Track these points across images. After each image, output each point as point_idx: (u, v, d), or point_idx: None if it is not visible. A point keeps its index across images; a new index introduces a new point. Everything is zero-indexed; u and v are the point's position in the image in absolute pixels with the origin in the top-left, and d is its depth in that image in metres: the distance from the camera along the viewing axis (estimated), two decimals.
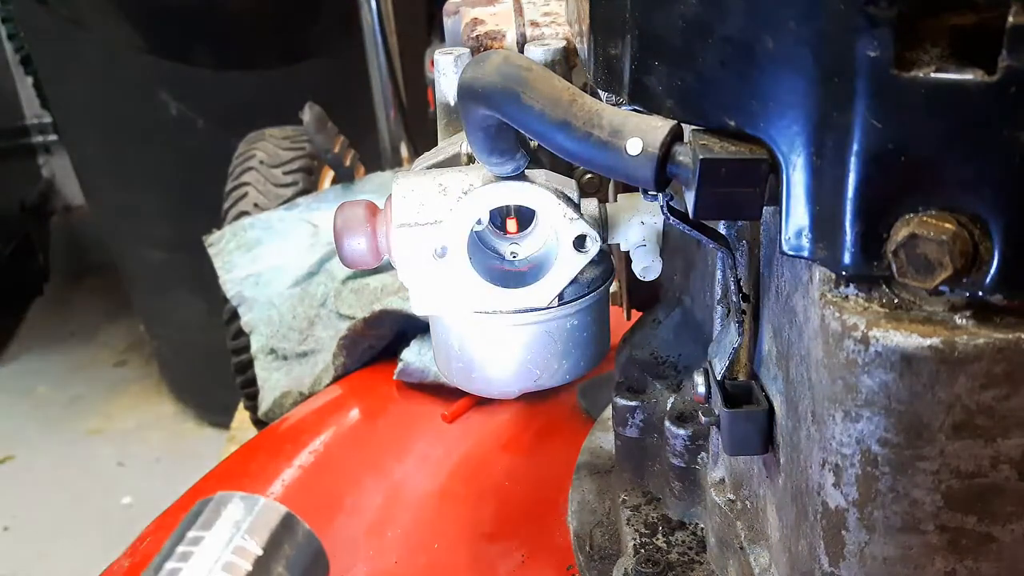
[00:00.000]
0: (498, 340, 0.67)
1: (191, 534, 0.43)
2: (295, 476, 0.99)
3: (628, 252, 0.70)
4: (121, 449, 2.86)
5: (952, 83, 0.39)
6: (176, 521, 0.45)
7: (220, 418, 2.48)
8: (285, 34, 2.55)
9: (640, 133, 0.48)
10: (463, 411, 1.07)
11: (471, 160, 0.69)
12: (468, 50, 0.76)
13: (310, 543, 0.45)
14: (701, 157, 0.46)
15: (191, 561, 0.42)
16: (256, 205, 1.69)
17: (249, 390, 1.45)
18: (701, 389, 0.60)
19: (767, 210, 0.51)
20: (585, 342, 0.68)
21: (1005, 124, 0.39)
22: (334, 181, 1.81)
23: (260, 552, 0.43)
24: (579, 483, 0.86)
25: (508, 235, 0.68)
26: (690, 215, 0.48)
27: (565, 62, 0.73)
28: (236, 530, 0.43)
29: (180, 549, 0.43)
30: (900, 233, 0.42)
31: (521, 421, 1.05)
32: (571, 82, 0.54)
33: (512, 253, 0.68)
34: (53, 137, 3.76)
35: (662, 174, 0.48)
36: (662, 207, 0.53)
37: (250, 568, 0.42)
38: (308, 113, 1.68)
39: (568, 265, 0.65)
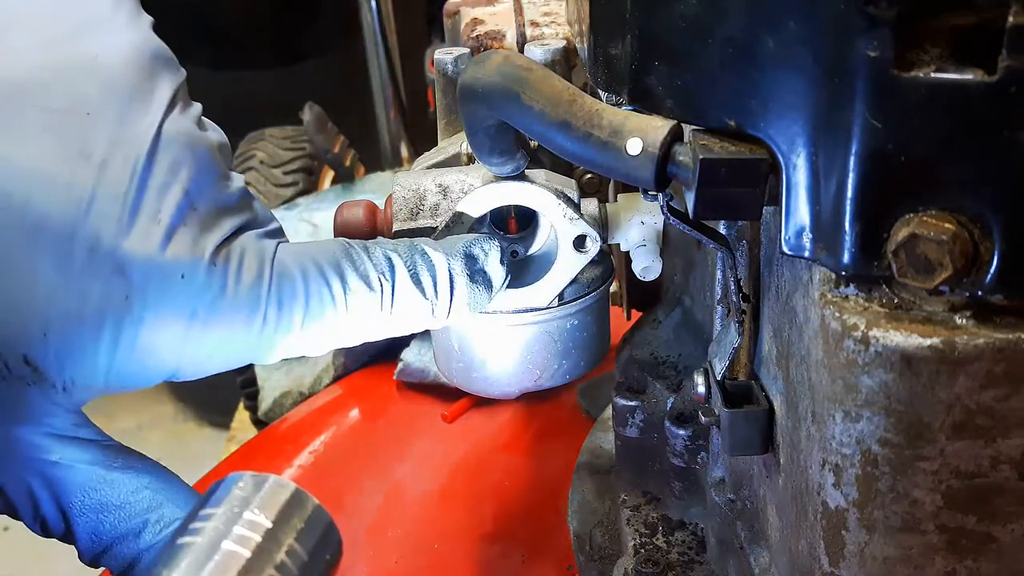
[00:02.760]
0: (498, 340, 0.67)
1: (204, 511, 0.45)
2: (295, 476, 0.99)
3: (628, 252, 0.70)
4: None
5: (952, 83, 0.39)
6: None
7: (220, 418, 2.48)
8: (285, 34, 2.55)
9: (640, 133, 0.48)
10: (463, 411, 1.07)
11: (471, 160, 0.69)
12: (468, 50, 0.76)
13: (320, 517, 0.46)
14: (701, 157, 0.46)
15: (202, 534, 0.43)
16: None
17: (249, 390, 1.45)
18: (701, 389, 0.60)
19: (767, 210, 0.51)
20: (585, 342, 0.68)
21: (1005, 124, 0.39)
22: (334, 181, 1.81)
23: (269, 525, 0.44)
24: (579, 483, 0.85)
25: (508, 235, 0.68)
26: (690, 215, 0.48)
27: (565, 62, 0.73)
28: (246, 505, 0.45)
29: (192, 525, 0.44)
30: (900, 233, 0.42)
31: (521, 421, 1.05)
32: (571, 82, 0.54)
33: (512, 253, 0.68)
34: None
35: (662, 174, 0.48)
36: (662, 207, 0.53)
37: (260, 540, 0.43)
38: (308, 113, 1.68)
39: (568, 265, 0.65)
